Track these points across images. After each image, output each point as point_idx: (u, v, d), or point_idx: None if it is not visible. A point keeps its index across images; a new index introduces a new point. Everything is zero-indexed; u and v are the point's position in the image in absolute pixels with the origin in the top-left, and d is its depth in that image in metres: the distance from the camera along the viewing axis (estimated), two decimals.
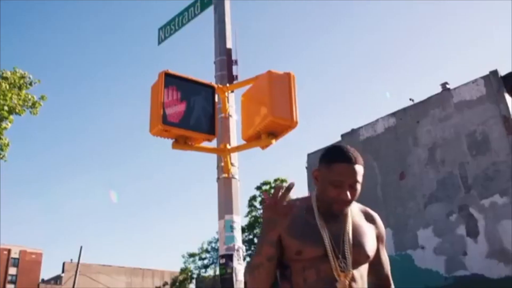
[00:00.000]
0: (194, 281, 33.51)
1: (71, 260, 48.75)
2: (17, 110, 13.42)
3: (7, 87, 12.59)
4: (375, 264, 1.99)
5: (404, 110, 21.47)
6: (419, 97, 21.48)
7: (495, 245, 17.28)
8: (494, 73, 18.70)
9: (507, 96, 18.29)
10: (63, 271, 50.43)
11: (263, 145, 3.58)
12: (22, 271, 77.90)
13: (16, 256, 79.38)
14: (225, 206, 3.42)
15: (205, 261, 31.29)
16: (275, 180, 28.96)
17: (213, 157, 4.17)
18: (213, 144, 3.91)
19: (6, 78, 12.58)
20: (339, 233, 1.87)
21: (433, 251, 18.93)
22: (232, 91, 4.16)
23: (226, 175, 3.79)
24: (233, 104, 4.08)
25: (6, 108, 12.98)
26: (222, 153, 3.77)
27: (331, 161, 1.89)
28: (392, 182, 20.80)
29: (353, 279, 1.82)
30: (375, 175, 21.50)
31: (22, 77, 12.99)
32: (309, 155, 24.71)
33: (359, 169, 1.89)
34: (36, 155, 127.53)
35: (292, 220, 1.90)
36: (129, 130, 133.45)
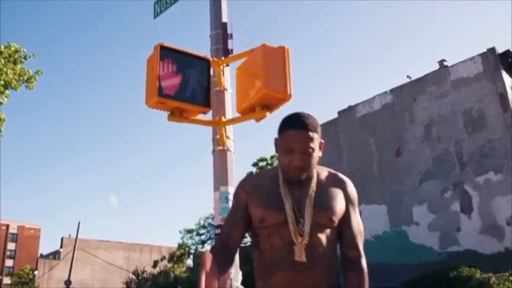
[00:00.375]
0: (191, 256, 33.91)
1: (70, 235, 49.13)
2: (12, 85, 13.35)
3: (2, 61, 12.51)
4: (344, 229, 1.97)
5: (401, 87, 21.47)
6: (416, 74, 21.50)
7: (489, 221, 17.52)
8: (492, 50, 18.66)
9: (504, 73, 18.29)
10: (61, 246, 50.87)
11: (257, 118, 3.63)
12: (21, 246, 78.58)
13: (15, 231, 79.96)
14: (220, 177, 3.48)
15: (202, 237, 31.64)
16: (272, 157, 29.10)
17: (209, 131, 4.22)
18: (208, 116, 3.97)
19: (0, 53, 12.49)
20: (302, 198, 1.90)
21: (427, 227, 19.18)
22: (227, 65, 4.18)
23: (221, 147, 3.84)
24: (228, 78, 4.11)
25: (1, 82, 12.92)
26: (217, 125, 3.82)
27: (283, 129, 1.93)
28: (388, 159, 20.94)
29: (315, 242, 1.85)
30: (371, 152, 21.63)
31: (16, 51, 12.89)
32: None
33: (311, 135, 1.89)
34: (34, 131, 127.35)
35: (258, 190, 1.97)
36: (125, 106, 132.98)
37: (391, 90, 21.77)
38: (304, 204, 1.89)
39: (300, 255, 1.83)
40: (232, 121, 3.94)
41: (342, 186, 2.03)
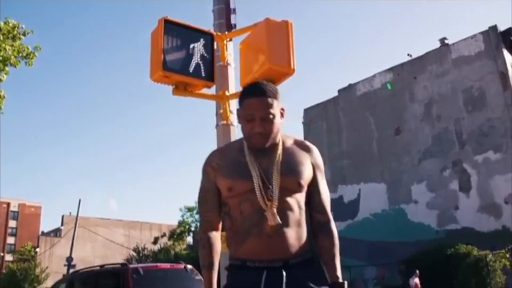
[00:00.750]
0: (191, 234, 34.19)
1: (70, 213, 49.43)
2: (11, 62, 13.29)
3: (1, 37, 12.43)
4: (313, 194, 2.00)
5: (402, 65, 21.39)
6: (417, 53, 21.40)
7: (487, 199, 17.66)
8: (493, 28, 18.53)
9: (505, 52, 18.20)
10: (62, 224, 51.22)
11: None
12: (22, 224, 79.11)
13: (16, 209, 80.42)
14: None
15: None
16: None
17: (212, 106, 4.24)
18: (212, 91, 3.99)
19: None
20: (269, 165, 1.93)
21: (425, 206, 19.33)
22: (231, 40, 4.17)
23: (224, 122, 3.86)
24: (231, 53, 4.11)
25: (0, 59, 12.86)
26: (221, 99, 3.84)
27: (242, 98, 1.97)
28: (388, 137, 20.98)
29: (284, 206, 1.88)
30: (371, 131, 21.66)
31: (15, 27, 12.78)
32: (305, 110, 24.79)
33: (270, 101, 1.91)
34: (35, 109, 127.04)
35: (224, 163, 2.01)
36: (126, 83, 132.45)
37: (391, 69, 21.68)
38: (271, 170, 1.92)
39: (273, 219, 1.86)
40: (236, 95, 3.96)
41: (309, 152, 2.04)
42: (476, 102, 18.46)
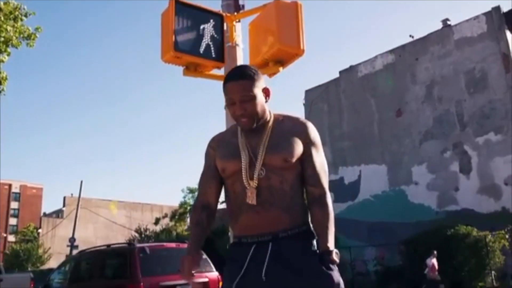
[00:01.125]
0: None
1: (72, 194, 49.73)
2: (13, 43, 13.27)
3: (2, 18, 12.39)
4: (306, 168, 2.03)
5: (403, 47, 21.29)
6: (419, 34, 21.29)
7: (487, 181, 17.76)
8: (496, 9, 18.41)
9: (508, 33, 18.10)
10: (64, 205, 51.59)
11: (270, 73, 3.69)
12: (24, 205, 79.55)
13: (17, 190, 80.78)
14: None
15: None
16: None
17: (219, 88, 4.26)
18: (221, 72, 4.02)
19: (0, 10, 12.34)
20: (257, 144, 2.00)
21: (426, 187, 19.44)
22: (239, 21, 4.19)
23: None
24: (239, 34, 4.13)
25: (2, 40, 12.84)
26: None
27: (223, 84, 2.03)
28: (389, 119, 21.00)
29: (271, 183, 1.94)
30: (372, 112, 21.67)
31: (16, 8, 12.73)
32: (306, 92, 24.76)
33: (247, 82, 1.97)
34: (37, 90, 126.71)
35: (221, 145, 2.11)
36: (128, 65, 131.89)
37: (393, 51, 21.59)
38: (258, 149, 1.99)
39: (251, 198, 1.94)
40: None
41: (301, 128, 2.07)
42: (478, 83, 18.44)
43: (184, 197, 33.88)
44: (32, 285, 12.33)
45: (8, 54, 13.25)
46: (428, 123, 19.70)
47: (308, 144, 2.04)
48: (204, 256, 7.95)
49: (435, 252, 13.95)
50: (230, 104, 2.00)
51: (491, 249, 15.18)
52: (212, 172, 2.12)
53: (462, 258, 14.44)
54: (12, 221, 77.77)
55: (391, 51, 21.65)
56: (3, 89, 13.61)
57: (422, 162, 19.63)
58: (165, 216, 34.50)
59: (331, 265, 1.91)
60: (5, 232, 66.97)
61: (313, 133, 2.08)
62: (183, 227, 34.44)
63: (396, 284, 16.06)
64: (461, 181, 18.49)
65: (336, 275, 1.91)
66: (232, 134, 2.12)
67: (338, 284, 1.89)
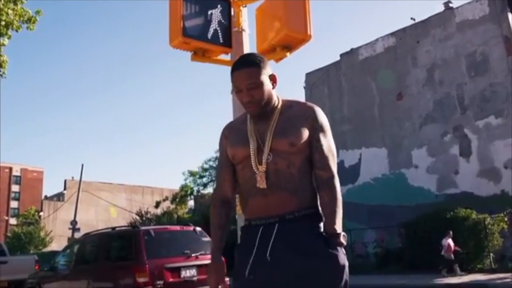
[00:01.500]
0: (193, 197, 34.61)
1: (72, 177, 49.89)
2: (14, 26, 13.23)
3: (2, 1, 12.32)
4: (313, 152, 2.06)
5: (404, 30, 21.17)
6: (421, 17, 21.15)
7: (487, 164, 17.83)
8: None
9: (510, 16, 17.99)
10: (65, 189, 51.77)
11: (277, 58, 3.71)
12: (25, 188, 79.81)
13: (18, 174, 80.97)
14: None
15: (204, 179, 32.22)
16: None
17: (223, 72, 4.28)
18: (227, 57, 4.04)
19: None
20: (265, 130, 2.05)
21: (426, 170, 19.51)
22: (245, 6, 4.19)
23: None
24: (246, 19, 4.13)
25: (3, 23, 12.80)
26: None
27: (231, 73, 2.08)
28: (389, 102, 20.98)
29: (278, 167, 1.99)
30: (372, 96, 21.64)
31: None
32: (307, 75, 24.68)
33: (252, 69, 2.01)
34: (38, 74, 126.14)
35: (231, 132, 2.18)
36: (129, 48, 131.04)
37: (394, 33, 21.47)
38: (266, 135, 2.04)
39: (260, 182, 1.99)
40: None
41: (309, 113, 2.10)
42: (479, 67, 18.40)
43: (185, 180, 33.99)
44: (37, 267, 12.45)
45: (9, 38, 13.21)
46: (429, 106, 19.70)
47: (316, 128, 2.08)
48: (208, 238, 8.08)
49: (451, 232, 14.06)
50: (237, 92, 2.05)
51: (490, 232, 15.32)
52: (225, 161, 2.19)
53: (461, 241, 14.57)
54: (13, 204, 78.12)
55: (392, 34, 21.54)
56: (3, 73, 13.61)
57: (422, 146, 19.69)
58: (166, 199, 34.66)
59: (337, 247, 1.95)
60: (7, 215, 67.31)
61: (321, 117, 2.12)
62: (184, 210, 34.66)
63: (396, 266, 16.24)
64: (461, 164, 18.56)
65: (342, 257, 1.95)
66: (242, 121, 2.18)
67: (344, 266, 1.94)
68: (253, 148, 2.03)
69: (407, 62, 20.64)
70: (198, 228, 8.22)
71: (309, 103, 2.16)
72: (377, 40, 22.00)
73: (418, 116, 19.98)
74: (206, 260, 7.62)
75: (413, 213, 16.83)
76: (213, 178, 31.72)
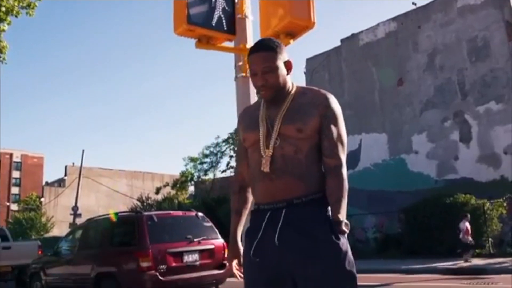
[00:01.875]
0: (193, 183, 34.69)
1: (73, 163, 50.03)
2: (14, 12, 13.20)
3: None
4: (323, 139, 2.08)
5: (405, 14, 21.06)
6: (422, 1, 21.03)
7: (487, 150, 17.88)
8: None
9: (511, 1, 17.90)
10: (65, 174, 51.91)
11: None
12: (25, 174, 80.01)
13: (18, 160, 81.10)
14: (243, 103, 3.62)
15: (205, 166, 32.31)
16: None
17: (227, 58, 4.30)
18: (230, 44, 4.05)
19: None
20: (275, 115, 2.07)
21: (426, 156, 19.57)
22: None
23: (244, 74, 3.95)
24: (249, 6, 4.13)
25: (3, 9, 12.76)
26: (243, 52, 3.91)
27: (248, 56, 2.12)
28: (390, 88, 20.96)
29: (285, 153, 2.02)
30: (373, 81, 21.61)
31: None
32: (307, 60, 24.60)
33: (268, 54, 2.04)
34: (38, 59, 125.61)
35: (245, 117, 2.24)
36: (131, 34, 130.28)
37: (395, 18, 21.36)
38: (275, 120, 2.07)
39: (265, 166, 2.02)
40: None
41: (321, 100, 2.11)
42: (480, 52, 18.34)
43: (186, 165, 34.08)
44: (40, 252, 12.55)
45: (9, 23, 13.18)
46: (429, 92, 19.69)
47: (327, 116, 2.09)
48: (210, 224, 8.17)
49: (468, 215, 14.08)
50: (252, 75, 2.08)
51: (489, 217, 15.44)
52: (242, 147, 2.24)
53: None
54: (14, 190, 78.37)
55: (393, 19, 21.43)
56: (3, 58, 13.60)
57: (422, 131, 19.72)
58: (166, 185, 34.77)
59: (340, 235, 1.98)
60: (8, 201, 67.59)
61: (333, 104, 2.12)
62: (185, 195, 34.79)
63: (395, 251, 16.38)
64: (460, 150, 18.61)
65: (345, 244, 1.98)
66: (256, 107, 2.22)
67: (346, 253, 1.96)
68: (262, 133, 2.07)
69: (408, 47, 20.57)
70: (200, 214, 8.31)
71: (323, 91, 2.16)
72: (378, 25, 21.90)
73: (419, 102, 19.97)
74: (208, 245, 7.72)
75: (413, 199, 16.92)
76: (214, 164, 31.85)
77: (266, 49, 2.06)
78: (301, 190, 2.02)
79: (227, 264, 2.30)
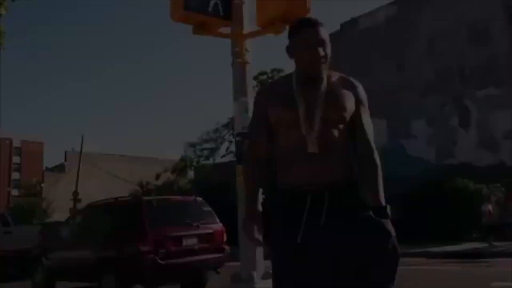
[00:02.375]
0: (193, 169, 34.72)
1: (72, 149, 50.05)
2: None
3: None
4: (356, 127, 2.10)
5: None
6: None
7: (485, 135, 17.89)
8: None
9: None
10: (65, 160, 51.95)
11: (276, 32, 3.74)
12: (25, 159, 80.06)
13: (18, 145, 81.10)
14: (241, 89, 3.65)
15: (205, 151, 32.29)
16: (272, 71, 28.90)
17: (223, 45, 4.31)
18: (227, 29, 4.06)
19: None
20: (314, 97, 2.04)
21: (425, 141, 19.59)
22: None
23: (240, 60, 3.97)
24: None
25: None
26: (240, 38, 3.92)
27: (299, 29, 2.09)
28: (390, 72, 20.87)
29: (327, 136, 2.00)
30: (373, 66, 21.50)
31: None
32: None
33: (322, 29, 2.07)
34: (38, 44, 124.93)
35: (275, 94, 2.15)
36: (130, 20, 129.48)
37: (395, 2, 21.20)
38: (315, 102, 2.04)
39: (313, 147, 1.98)
40: (253, 34, 4.03)
41: (352, 87, 2.13)
42: (481, 37, 18.24)
43: (185, 151, 34.07)
44: (41, 237, 12.61)
45: (6, 10, 13.13)
46: (429, 77, 19.62)
47: (359, 103, 2.12)
48: (209, 208, 8.23)
49: (491, 197, 14.06)
50: (307, 47, 2.04)
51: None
52: (264, 122, 2.16)
53: (459, 211, 14.77)
54: (15, 175, 78.47)
55: (393, 3, 21.28)
56: (2, 43, 13.57)
57: (421, 116, 19.70)
58: (166, 170, 34.80)
59: (387, 219, 2.02)
60: (9, 187, 67.75)
61: (363, 93, 2.16)
62: (184, 181, 34.81)
63: None
64: (460, 135, 18.62)
65: (390, 225, 2.02)
66: (286, 84, 2.14)
67: (395, 237, 2.02)
68: (303, 113, 2.03)
69: (408, 32, 20.46)
70: (199, 198, 8.37)
71: (352, 78, 2.19)
72: (378, 9, 21.76)
73: (419, 87, 19.91)
74: (207, 229, 7.80)
75: (412, 184, 16.96)
76: (214, 150, 31.84)
77: (321, 24, 2.09)
78: (339, 174, 2.02)
79: (243, 229, 2.24)
